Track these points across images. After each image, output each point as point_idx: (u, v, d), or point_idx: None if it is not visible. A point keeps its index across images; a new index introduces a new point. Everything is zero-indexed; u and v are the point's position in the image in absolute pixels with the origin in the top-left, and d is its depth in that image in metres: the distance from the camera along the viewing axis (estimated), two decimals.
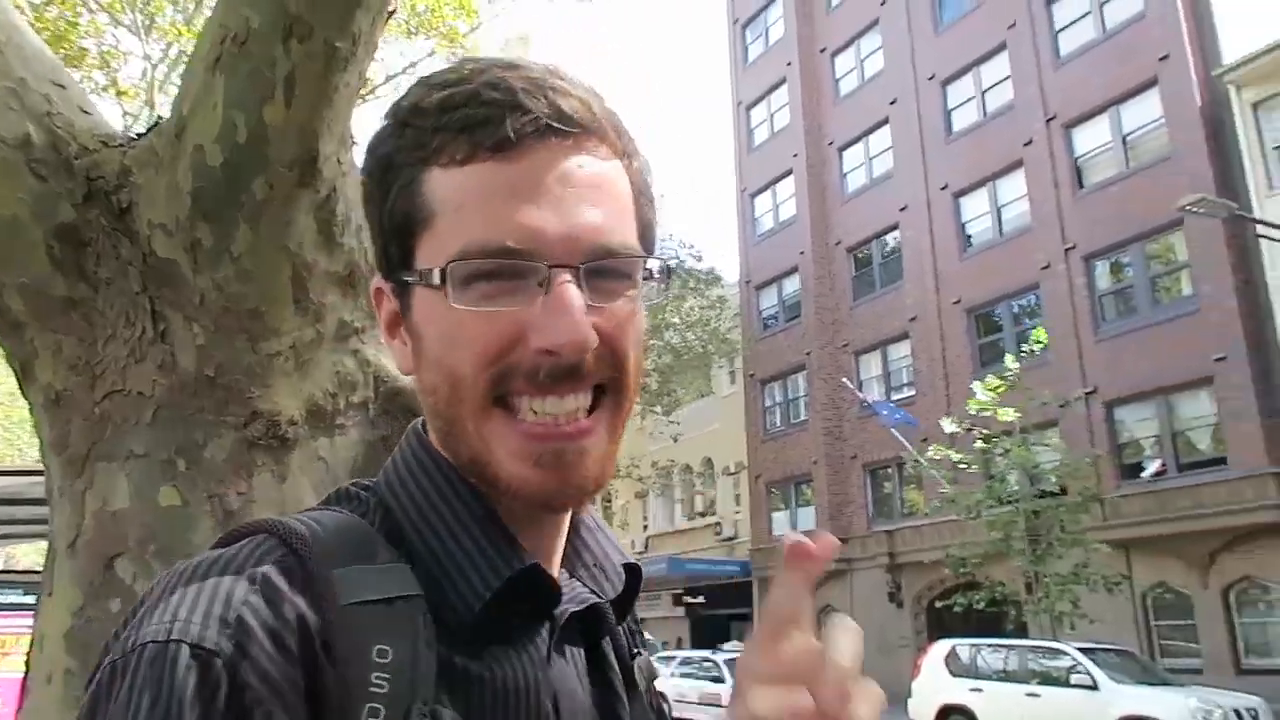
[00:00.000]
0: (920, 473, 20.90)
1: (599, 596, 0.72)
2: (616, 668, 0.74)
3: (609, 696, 0.72)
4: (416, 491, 0.68)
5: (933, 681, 15.33)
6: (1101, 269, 21.47)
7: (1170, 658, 18.98)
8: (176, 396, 1.83)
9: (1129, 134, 21.04)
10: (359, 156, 2.08)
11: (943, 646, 16.00)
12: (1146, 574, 19.64)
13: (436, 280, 0.63)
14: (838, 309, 28.46)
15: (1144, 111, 20.69)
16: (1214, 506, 18.18)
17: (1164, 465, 19.76)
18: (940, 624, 22.88)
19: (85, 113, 1.88)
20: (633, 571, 0.75)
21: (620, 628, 0.77)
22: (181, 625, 0.54)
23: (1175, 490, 18.97)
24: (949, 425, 18.30)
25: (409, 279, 0.67)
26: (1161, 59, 20.12)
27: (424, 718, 0.57)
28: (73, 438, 1.83)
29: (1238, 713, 12.15)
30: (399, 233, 0.67)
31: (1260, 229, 15.54)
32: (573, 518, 0.74)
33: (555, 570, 0.71)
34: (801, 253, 29.35)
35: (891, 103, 27.36)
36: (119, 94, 10.71)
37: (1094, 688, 13.11)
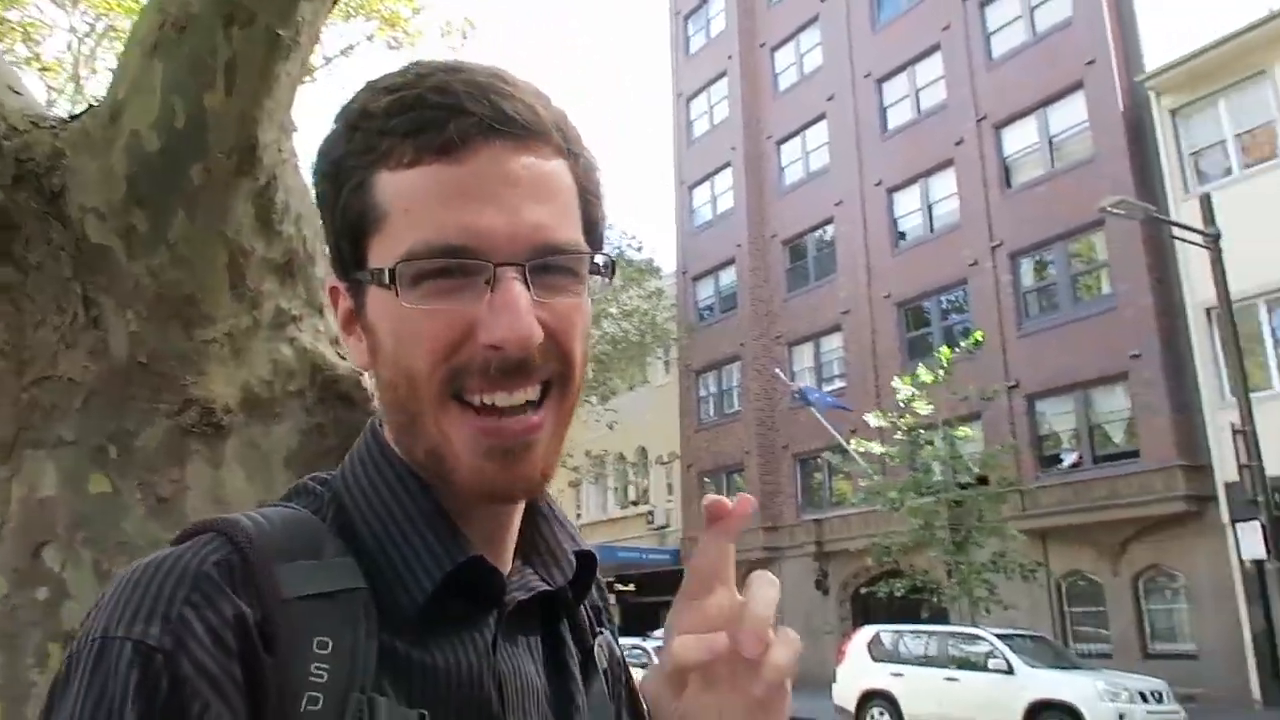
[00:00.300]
0: (847, 466, 21.32)
1: (549, 584, 0.74)
2: (574, 649, 0.77)
3: (564, 678, 0.75)
4: (369, 487, 0.71)
5: (856, 667, 15.67)
6: (1026, 266, 22.12)
7: (1082, 642, 19.75)
8: (108, 383, 1.81)
9: (1055, 136, 21.69)
10: (299, 144, 2.07)
11: (866, 633, 16.35)
12: (1061, 562, 20.38)
13: (387, 280, 0.65)
14: (772, 301, 28.81)
15: (1070, 114, 21.34)
16: (1126, 497, 18.93)
17: (1080, 457, 20.50)
18: (865, 611, 23.42)
19: (15, 93, 1.84)
20: (586, 558, 0.78)
21: (582, 608, 0.80)
22: (127, 623, 0.58)
23: (1090, 481, 19.70)
24: (874, 419, 18.74)
25: (362, 278, 0.69)
26: (1088, 64, 20.77)
27: (361, 705, 0.60)
28: None
29: (1143, 694, 12.69)
30: (351, 233, 0.69)
31: (1175, 231, 16.16)
32: (530, 508, 0.76)
33: (506, 560, 0.73)
34: (738, 245, 29.61)
35: (829, 99, 27.72)
36: (42, 69, 10.29)
37: (1009, 672, 13.57)
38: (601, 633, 0.82)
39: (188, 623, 0.58)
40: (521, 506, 0.74)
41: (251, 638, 0.59)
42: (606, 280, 0.71)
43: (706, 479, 29.80)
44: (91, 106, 1.83)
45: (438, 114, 0.65)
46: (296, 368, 2.02)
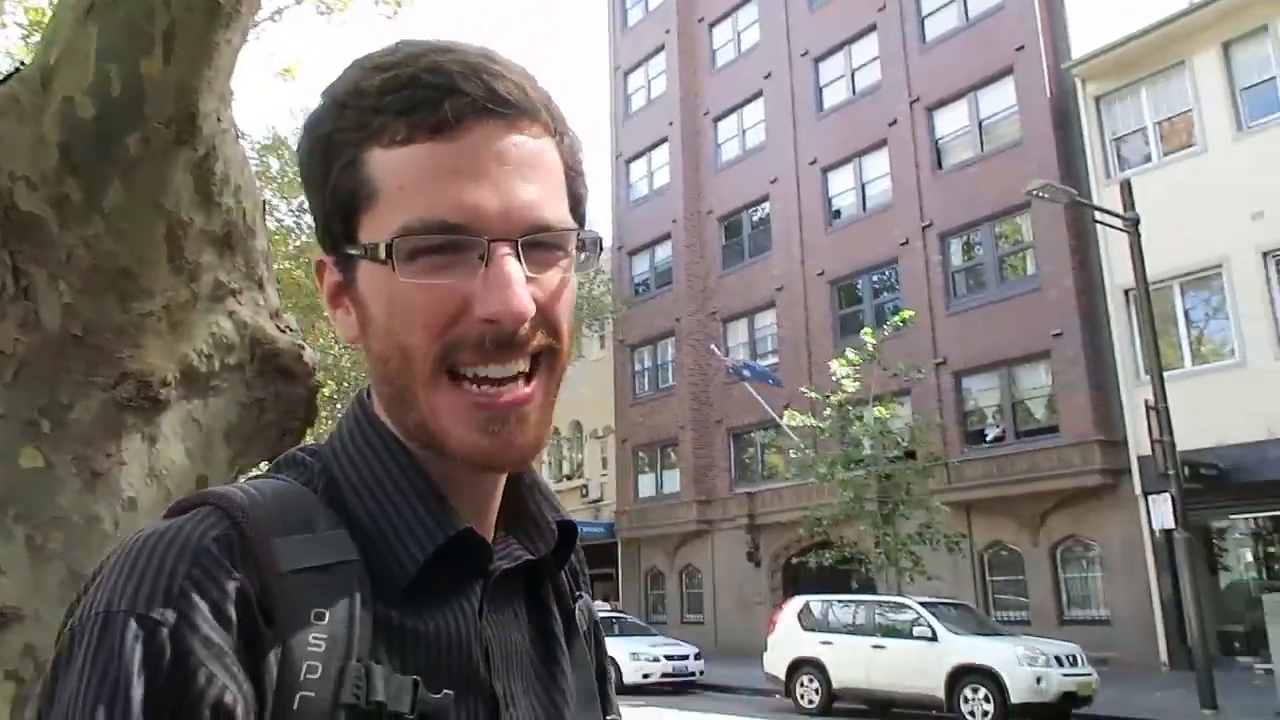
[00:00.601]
0: (780, 440, 21.65)
1: (532, 554, 0.77)
2: (557, 614, 0.80)
3: (548, 642, 0.78)
4: (359, 459, 0.72)
5: (786, 636, 15.97)
6: (955, 246, 22.62)
7: (1002, 610, 20.48)
8: (40, 355, 1.77)
9: (985, 119, 22.15)
10: (238, 114, 2.03)
11: (796, 603, 16.65)
12: (984, 533, 21.06)
13: (382, 255, 0.67)
14: (708, 277, 28.98)
15: (999, 98, 21.80)
16: (1046, 471, 19.61)
17: (1003, 432, 21.15)
18: (795, 581, 23.90)
19: None
20: (567, 527, 0.80)
21: (562, 574, 0.82)
22: (130, 597, 0.59)
23: (1012, 456, 20.36)
24: (808, 392, 19.06)
25: (354, 252, 0.70)
26: (1017, 50, 21.21)
27: (359, 674, 0.62)
28: None
29: (1059, 658, 13.20)
30: (342, 209, 0.70)
31: (1097, 215, 16.66)
32: (513, 478, 0.79)
33: (490, 527, 0.76)
34: (674, 220, 29.66)
35: (766, 76, 27.85)
36: None
37: (933, 639, 13.99)
38: (581, 596, 0.85)
39: (190, 597, 0.59)
40: (505, 476, 0.76)
41: (252, 611, 0.61)
42: (593, 256, 0.73)
43: (641, 453, 29.99)
44: (19, 69, 1.78)
45: (431, 93, 0.66)
46: (236, 341, 2.01)
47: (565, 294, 0.71)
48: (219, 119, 1.83)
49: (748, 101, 28.54)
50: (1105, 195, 18.49)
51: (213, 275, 1.94)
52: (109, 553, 0.64)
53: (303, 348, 2.13)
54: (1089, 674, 13.34)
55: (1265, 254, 17.47)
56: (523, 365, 0.69)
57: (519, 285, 0.66)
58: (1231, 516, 18.08)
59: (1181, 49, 18.84)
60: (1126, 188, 15.58)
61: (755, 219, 28.11)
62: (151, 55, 1.64)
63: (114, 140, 1.69)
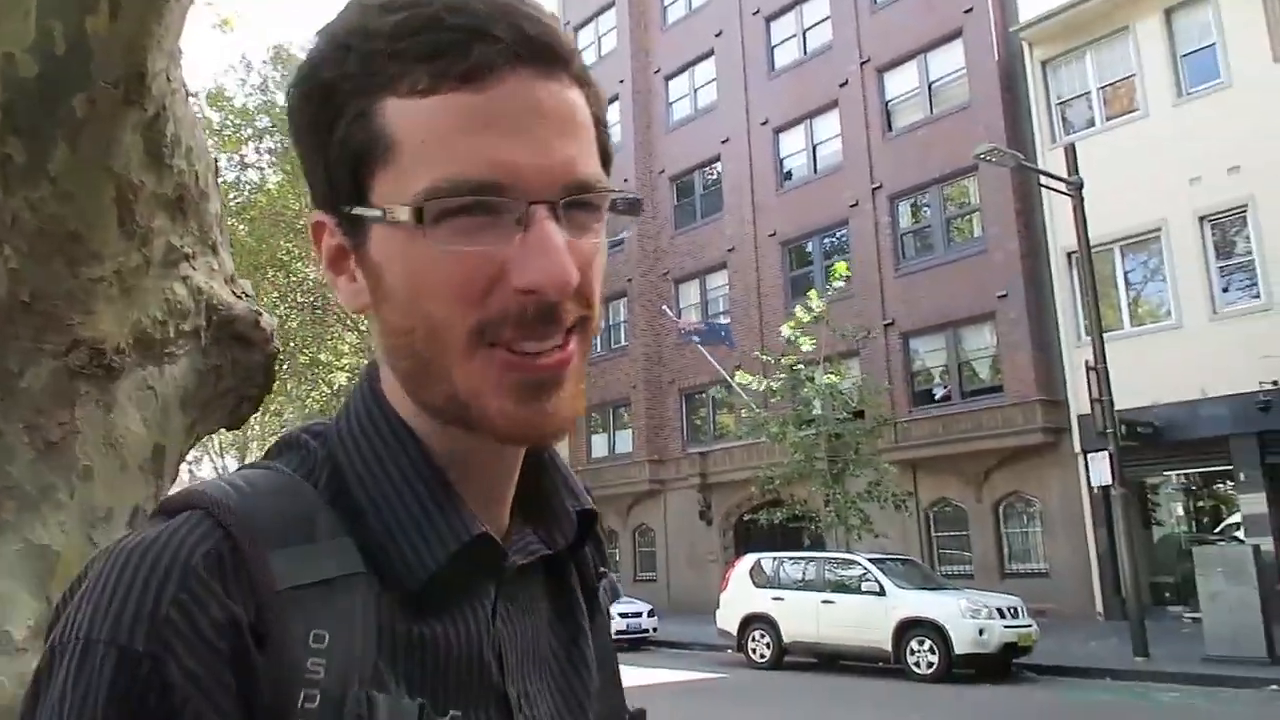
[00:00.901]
0: (731, 400, 21.85)
1: (549, 547, 0.72)
2: (581, 597, 0.75)
3: (569, 627, 0.73)
4: (364, 443, 0.66)
5: (738, 592, 16.26)
6: (904, 209, 22.84)
7: (947, 564, 21.04)
8: None
9: (934, 82, 22.27)
10: (187, 73, 1.97)
11: (748, 560, 16.94)
12: (929, 490, 21.55)
13: (406, 218, 0.60)
14: (659, 237, 28.92)
15: (948, 61, 21.92)
16: (990, 430, 20.08)
17: (949, 391, 21.58)
18: (747, 539, 24.27)
19: None
20: (587, 515, 0.75)
21: (585, 550, 0.77)
22: (111, 625, 0.55)
23: (957, 415, 20.80)
24: (763, 356, 19.21)
25: (366, 214, 0.63)
26: (966, 12, 21.30)
27: (360, 701, 0.57)
28: None
29: (1000, 610, 13.64)
30: (351, 164, 0.62)
31: (1042, 179, 16.92)
32: (531, 458, 0.73)
33: (504, 515, 0.71)
34: (625, 179, 29.43)
35: (717, 34, 27.64)
36: None
37: (881, 593, 14.36)
38: (606, 574, 0.81)
39: (175, 625, 0.54)
40: (521, 456, 0.71)
41: (243, 638, 0.56)
42: (629, 219, 0.68)
43: (593, 413, 30.06)
44: None
45: (457, 37, 0.60)
46: (190, 307, 1.97)
47: (599, 260, 0.65)
48: (169, 78, 1.78)
49: (699, 60, 28.34)
50: (1050, 159, 18.76)
51: (165, 239, 1.89)
52: (93, 558, 0.59)
53: (259, 313, 2.10)
54: (1029, 625, 13.79)
55: (1201, 218, 17.93)
56: (559, 340, 0.63)
57: (562, 252, 0.59)
58: (1165, 473, 18.73)
59: (1126, 14, 19.08)
60: (1071, 152, 15.83)
61: (707, 179, 28.07)
62: (97, 12, 1.58)
63: (59, 100, 1.63)
